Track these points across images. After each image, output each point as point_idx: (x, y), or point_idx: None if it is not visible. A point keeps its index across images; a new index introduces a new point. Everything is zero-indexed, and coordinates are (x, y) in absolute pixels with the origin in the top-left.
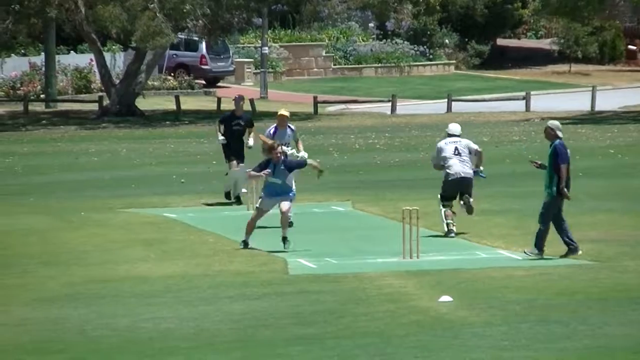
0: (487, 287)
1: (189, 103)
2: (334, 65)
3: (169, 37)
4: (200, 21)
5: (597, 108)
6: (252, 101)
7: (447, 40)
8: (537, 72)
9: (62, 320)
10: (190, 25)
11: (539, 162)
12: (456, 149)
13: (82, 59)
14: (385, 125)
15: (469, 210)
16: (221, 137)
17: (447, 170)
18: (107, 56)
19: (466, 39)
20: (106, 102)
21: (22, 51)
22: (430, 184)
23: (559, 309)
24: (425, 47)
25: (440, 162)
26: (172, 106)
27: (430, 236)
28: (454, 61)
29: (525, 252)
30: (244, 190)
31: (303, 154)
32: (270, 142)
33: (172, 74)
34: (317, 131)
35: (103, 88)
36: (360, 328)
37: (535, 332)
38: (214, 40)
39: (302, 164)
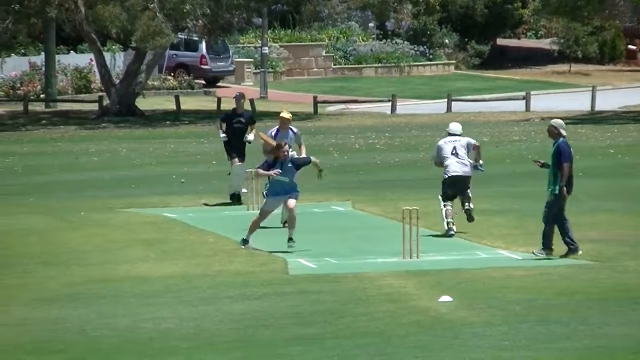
0: (487, 287)
1: (189, 103)
2: (334, 65)
3: (169, 37)
4: (200, 21)
5: (597, 108)
6: (252, 101)
7: (447, 40)
8: (537, 72)
9: (62, 320)
10: (190, 25)
11: (542, 161)
12: (454, 148)
13: (82, 59)
14: (385, 125)
15: (469, 219)
16: (222, 135)
17: (445, 170)
18: (107, 56)
19: (466, 39)
20: (106, 102)
21: (22, 51)
22: (430, 184)
23: (559, 309)
24: (425, 47)
25: (439, 160)
26: (172, 106)
27: (430, 236)
28: (454, 61)
29: (534, 253)
30: (244, 190)
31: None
32: (273, 142)
33: (172, 74)
34: (317, 131)
35: (103, 88)
36: (360, 328)
37: (535, 332)
38: (214, 40)
39: (307, 161)
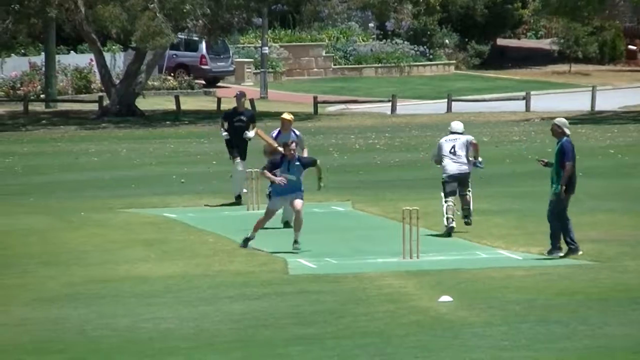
0: (487, 287)
1: (189, 103)
2: (334, 65)
3: (169, 37)
4: (200, 21)
5: (597, 108)
6: (252, 101)
7: (447, 41)
8: (537, 72)
9: (62, 320)
10: (190, 25)
11: (546, 160)
12: (453, 147)
13: (82, 59)
14: (385, 126)
15: (467, 223)
16: (224, 133)
17: (443, 170)
18: (107, 56)
19: (466, 39)
20: (106, 102)
21: (22, 51)
22: (430, 184)
23: (559, 309)
24: (425, 47)
25: (438, 159)
26: (172, 106)
27: (430, 235)
28: (454, 61)
29: (542, 254)
30: (244, 190)
31: None
32: (273, 142)
33: (172, 74)
34: (317, 131)
35: (103, 88)
36: (360, 328)
37: (535, 332)
38: (214, 40)
39: (314, 161)
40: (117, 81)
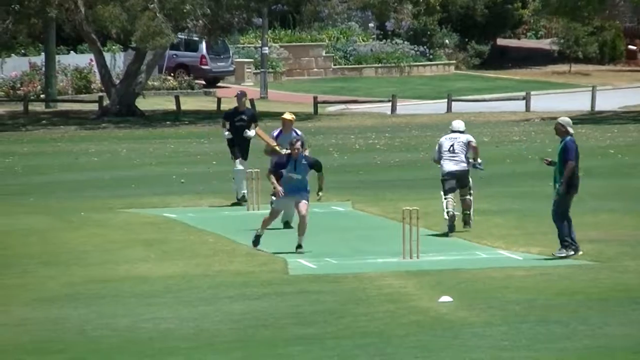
0: (487, 288)
1: (189, 103)
2: (334, 65)
3: (169, 37)
4: (200, 21)
5: (597, 108)
6: (252, 101)
7: (447, 41)
8: (537, 72)
9: (62, 320)
10: (190, 26)
11: (549, 159)
12: (452, 145)
13: (82, 59)
14: (386, 126)
15: (466, 224)
16: (226, 132)
17: (441, 169)
18: (107, 56)
19: (466, 39)
20: (106, 102)
21: (22, 51)
22: (430, 184)
23: (559, 309)
24: (425, 47)
25: (438, 157)
26: (172, 106)
27: (430, 235)
28: (454, 61)
29: (554, 255)
30: (244, 191)
31: None
32: (272, 142)
33: (172, 74)
34: (317, 131)
35: (103, 88)
36: (360, 328)
37: (535, 332)
38: (214, 41)
39: (320, 167)
40: (117, 81)
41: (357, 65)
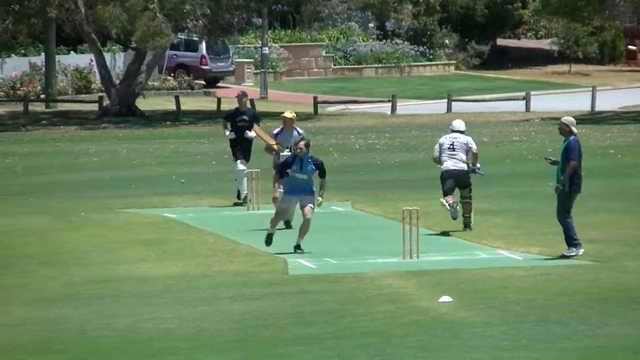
0: (487, 288)
1: (189, 103)
2: (334, 65)
3: (168, 38)
4: (200, 21)
5: (597, 108)
6: (252, 101)
7: (447, 41)
8: (537, 73)
9: (62, 320)
10: (190, 26)
11: (553, 159)
12: (452, 144)
13: (82, 59)
14: (385, 126)
15: (466, 227)
16: (229, 133)
17: (441, 167)
18: (107, 56)
19: (466, 39)
20: (106, 102)
21: (22, 51)
22: (430, 184)
23: (559, 309)
24: (425, 47)
25: (437, 156)
26: (172, 106)
27: (430, 235)
28: (454, 61)
29: (564, 254)
30: (244, 192)
31: None
32: (271, 141)
33: (172, 74)
34: (317, 131)
35: (103, 88)
36: (360, 328)
37: (535, 332)
38: (214, 41)
39: (324, 173)
40: (117, 81)
41: (357, 66)
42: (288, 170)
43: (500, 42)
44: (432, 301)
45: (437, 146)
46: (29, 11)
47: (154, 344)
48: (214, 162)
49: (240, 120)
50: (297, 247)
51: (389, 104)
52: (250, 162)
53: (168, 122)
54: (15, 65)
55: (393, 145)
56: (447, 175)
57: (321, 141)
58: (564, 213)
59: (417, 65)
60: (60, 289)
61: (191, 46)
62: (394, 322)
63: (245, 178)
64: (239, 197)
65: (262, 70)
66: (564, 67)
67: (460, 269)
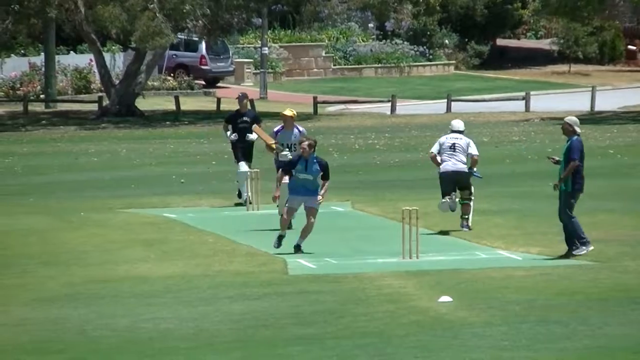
0: (487, 288)
1: (189, 103)
2: (334, 65)
3: (168, 38)
4: (200, 21)
5: (597, 108)
6: (252, 102)
7: (446, 41)
8: (536, 73)
9: (61, 320)
10: (190, 26)
11: (557, 158)
12: (453, 145)
13: (81, 59)
14: (385, 126)
15: (463, 228)
16: (232, 135)
17: (439, 167)
18: (107, 56)
19: (466, 39)
20: (106, 102)
21: (22, 51)
22: (429, 184)
23: (558, 309)
24: (425, 47)
25: (435, 154)
26: (172, 106)
27: (430, 234)
28: (453, 61)
29: (574, 254)
30: (246, 193)
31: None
32: (270, 140)
33: (172, 75)
34: (316, 131)
35: (103, 88)
36: (360, 328)
37: (535, 332)
38: (214, 41)
39: (328, 175)
40: (117, 81)
41: (356, 66)
42: (293, 170)
43: (500, 42)
44: (432, 301)
45: (436, 144)
46: (28, 11)
47: (154, 344)
48: (213, 162)
49: (241, 122)
50: (298, 248)
51: (389, 104)
52: (252, 163)
53: (168, 122)
54: (15, 65)
55: (393, 146)
56: (446, 177)
57: (321, 141)
58: (568, 213)
59: (417, 66)
60: (60, 289)
61: (191, 46)
62: (393, 322)
63: (247, 180)
64: (240, 196)
65: (261, 70)
66: (563, 67)
67: (460, 269)
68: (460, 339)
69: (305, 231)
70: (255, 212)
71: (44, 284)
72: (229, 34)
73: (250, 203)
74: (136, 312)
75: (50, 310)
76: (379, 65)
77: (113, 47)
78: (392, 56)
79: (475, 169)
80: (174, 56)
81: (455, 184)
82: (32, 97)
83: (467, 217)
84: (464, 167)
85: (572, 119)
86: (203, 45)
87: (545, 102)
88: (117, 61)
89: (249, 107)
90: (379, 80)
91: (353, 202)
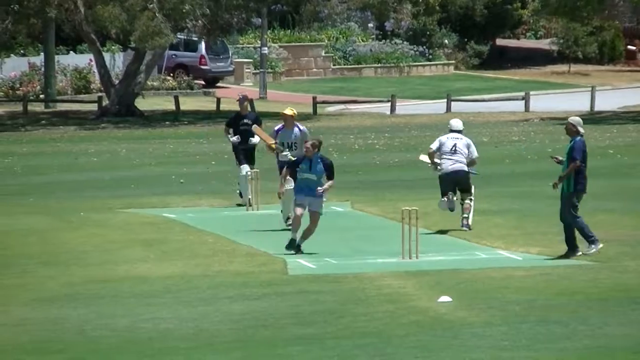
0: (487, 288)
1: (188, 103)
2: (334, 65)
3: (168, 37)
4: (199, 21)
5: (597, 108)
6: (251, 101)
7: (446, 41)
8: (536, 72)
9: (61, 320)
10: (190, 26)
11: (560, 158)
12: (454, 145)
13: (81, 59)
14: (385, 126)
15: (462, 227)
16: (233, 138)
17: (440, 167)
18: (107, 56)
19: (465, 39)
20: (105, 102)
21: (22, 51)
22: (429, 184)
23: (558, 309)
24: (424, 47)
25: (435, 153)
26: (172, 106)
27: (430, 234)
28: (453, 61)
29: (583, 254)
30: (249, 196)
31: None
32: (270, 140)
33: (172, 74)
34: (316, 131)
35: (102, 88)
36: (360, 328)
37: (535, 332)
38: (213, 41)
39: (333, 175)
40: (117, 81)
41: (356, 66)
42: (297, 169)
43: (500, 42)
44: (432, 301)
45: (437, 141)
46: (28, 11)
47: (154, 344)
48: (213, 162)
49: (242, 124)
50: (298, 248)
51: (389, 104)
52: (254, 165)
53: (167, 122)
54: (15, 65)
55: (392, 145)
56: (446, 177)
57: None
58: (573, 214)
59: (417, 65)
60: (59, 289)
61: (190, 46)
62: (393, 322)
63: (248, 182)
64: (241, 195)
65: (261, 70)
66: (563, 67)
67: (460, 269)
68: (460, 339)
69: (307, 233)
70: (255, 212)
71: (43, 284)
72: (228, 34)
73: (250, 205)
74: (136, 312)
75: (50, 310)
76: (379, 65)
77: (113, 47)
78: (391, 56)
79: (472, 168)
80: (173, 56)
81: (455, 184)
82: (31, 97)
83: (467, 216)
84: (464, 167)
85: (575, 119)
86: (202, 45)
87: (544, 102)
88: (117, 61)
89: (249, 109)
90: (379, 80)
91: (353, 202)
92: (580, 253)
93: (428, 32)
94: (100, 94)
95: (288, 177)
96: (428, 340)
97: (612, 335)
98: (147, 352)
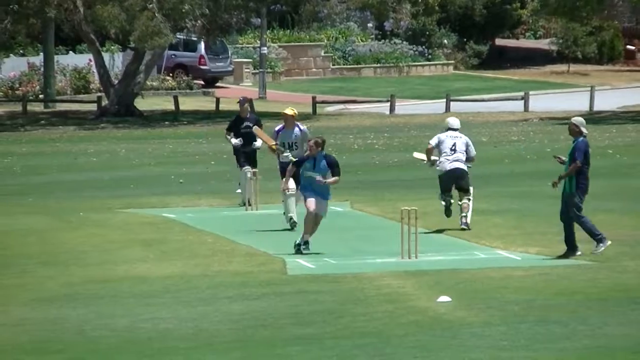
0: (486, 288)
1: (188, 103)
2: (333, 65)
3: (167, 37)
4: (199, 21)
5: (596, 108)
6: (251, 101)
7: (445, 41)
8: (535, 72)
9: (60, 320)
10: (189, 26)
11: (563, 158)
12: (454, 144)
13: (80, 59)
14: (384, 126)
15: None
16: (235, 141)
17: (440, 166)
18: (106, 56)
19: (465, 39)
20: (105, 102)
21: (21, 51)
22: (429, 184)
23: (558, 309)
24: (424, 47)
25: (433, 149)
26: (171, 106)
27: (429, 234)
28: (452, 61)
29: (593, 253)
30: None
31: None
32: (270, 140)
33: (171, 74)
34: (316, 131)
35: (102, 88)
36: (359, 328)
37: (534, 332)
38: (213, 41)
39: (339, 172)
40: (116, 81)
41: (355, 65)
42: (301, 168)
43: (499, 42)
44: (431, 301)
45: (435, 138)
46: (27, 11)
47: (153, 344)
48: (212, 162)
49: (244, 127)
50: (298, 247)
51: (388, 104)
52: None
53: (167, 122)
54: (14, 65)
55: (392, 145)
56: (445, 177)
57: None
58: (577, 214)
59: (416, 65)
60: (59, 289)
61: (190, 46)
62: (392, 322)
63: (249, 184)
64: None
65: (260, 70)
66: (562, 67)
67: (459, 269)
68: (459, 338)
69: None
70: (254, 212)
71: (43, 284)
72: (227, 34)
73: (250, 205)
74: (135, 312)
75: (49, 310)
76: (378, 65)
77: (112, 47)
78: (391, 56)
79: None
80: (172, 56)
81: (454, 181)
82: (31, 97)
83: (466, 215)
84: (464, 166)
85: (578, 120)
86: (202, 45)
87: (544, 102)
88: (116, 61)
89: (249, 110)
90: (378, 80)
91: (352, 202)
92: (579, 253)
93: (427, 32)
94: (99, 94)
95: (290, 180)
96: (427, 340)
97: (611, 335)
98: (146, 352)
